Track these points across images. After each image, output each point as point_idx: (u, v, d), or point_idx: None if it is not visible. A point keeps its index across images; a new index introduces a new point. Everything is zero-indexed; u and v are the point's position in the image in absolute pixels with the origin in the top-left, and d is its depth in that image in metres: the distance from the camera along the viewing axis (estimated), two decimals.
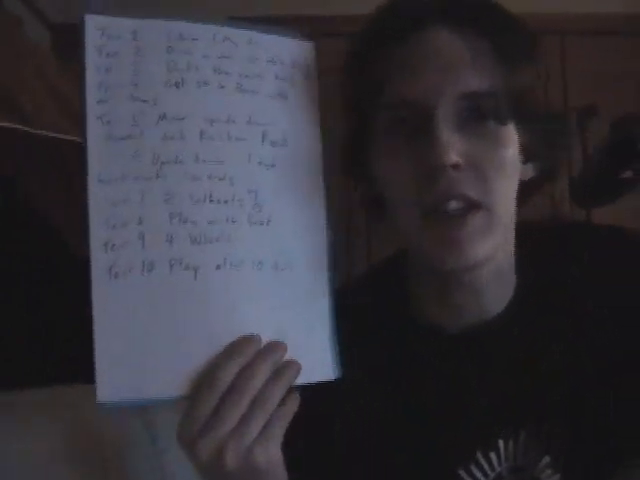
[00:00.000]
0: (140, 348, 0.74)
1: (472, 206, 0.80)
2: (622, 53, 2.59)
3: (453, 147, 0.78)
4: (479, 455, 0.86)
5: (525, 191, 0.88)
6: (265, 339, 0.77)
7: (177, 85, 0.78)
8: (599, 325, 0.87)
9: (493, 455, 0.86)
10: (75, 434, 0.90)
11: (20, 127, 1.43)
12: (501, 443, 0.86)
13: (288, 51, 0.85)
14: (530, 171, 0.89)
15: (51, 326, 1.13)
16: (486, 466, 0.87)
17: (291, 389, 0.76)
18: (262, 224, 0.80)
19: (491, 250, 0.82)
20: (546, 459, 0.86)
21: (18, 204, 1.36)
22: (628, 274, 0.90)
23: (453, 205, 0.79)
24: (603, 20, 2.60)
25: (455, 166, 0.78)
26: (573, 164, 2.27)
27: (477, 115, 0.80)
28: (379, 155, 0.85)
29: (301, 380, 0.77)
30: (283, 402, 0.75)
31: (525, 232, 0.90)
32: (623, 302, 0.88)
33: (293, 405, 0.77)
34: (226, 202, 0.78)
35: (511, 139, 0.82)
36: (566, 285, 0.90)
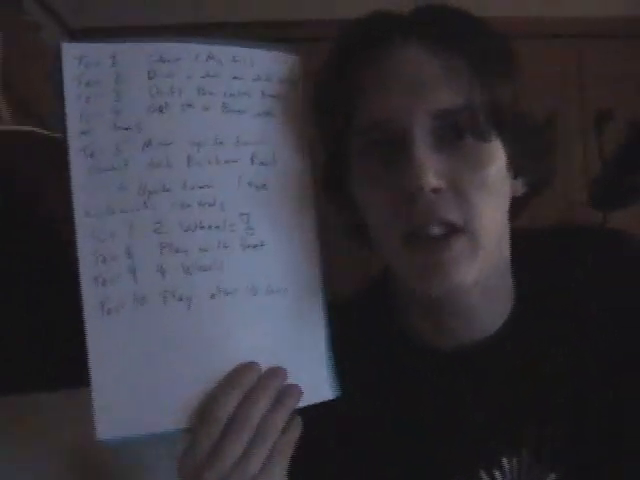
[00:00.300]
0: (137, 382, 0.73)
1: (454, 230, 0.75)
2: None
3: (431, 169, 0.73)
4: (483, 474, 0.84)
5: (517, 206, 0.84)
6: (263, 364, 0.75)
7: (161, 110, 0.76)
8: (601, 332, 0.83)
9: (497, 473, 0.84)
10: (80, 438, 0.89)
11: (38, 130, 1.42)
12: (505, 461, 0.83)
13: (274, 66, 0.81)
14: (521, 187, 0.85)
15: (52, 327, 1.13)
16: None
17: (293, 414, 0.75)
18: (255, 247, 0.77)
19: (478, 274, 0.77)
20: (552, 477, 0.83)
21: (37, 205, 1.36)
22: (629, 277, 0.85)
23: (434, 230, 0.75)
24: (621, 23, 2.50)
25: (435, 190, 0.74)
26: (590, 168, 2.20)
27: (455, 133, 0.76)
28: (356, 180, 0.82)
29: (301, 403, 0.75)
30: (286, 428, 0.74)
31: (522, 240, 0.86)
32: (625, 305, 0.84)
33: (296, 431, 0.75)
34: (217, 228, 0.76)
35: (494, 156, 0.78)
36: (566, 292, 0.85)
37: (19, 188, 1.43)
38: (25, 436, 0.93)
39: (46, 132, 1.44)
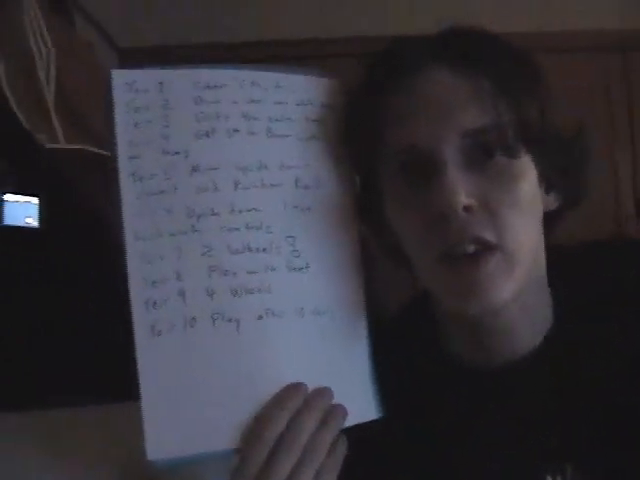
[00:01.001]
0: (187, 404, 0.73)
1: (487, 248, 0.74)
2: None
3: (462, 189, 0.73)
4: None
5: (551, 221, 0.83)
6: (310, 385, 0.75)
7: (207, 135, 0.76)
8: None
9: None
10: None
11: (92, 149, 1.45)
12: (549, 479, 0.82)
13: (316, 91, 0.82)
14: (554, 201, 0.83)
15: (102, 341, 1.14)
16: None
17: (338, 434, 0.74)
18: (301, 269, 0.78)
19: (514, 291, 0.76)
20: None
21: (94, 222, 1.38)
22: None
23: (469, 249, 0.74)
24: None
25: (467, 208, 0.73)
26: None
27: (484, 152, 0.75)
28: (388, 204, 0.81)
29: (346, 423, 0.75)
30: (332, 448, 0.73)
31: (560, 256, 0.84)
32: None
33: (342, 450, 0.75)
34: (264, 250, 0.76)
35: (524, 172, 0.77)
36: (606, 307, 0.83)
37: (73, 204, 1.45)
38: (75, 450, 0.94)
39: (97, 150, 1.47)
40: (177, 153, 0.75)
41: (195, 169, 0.75)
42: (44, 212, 1.39)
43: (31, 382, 1.27)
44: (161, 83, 0.76)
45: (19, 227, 1.37)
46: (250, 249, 0.75)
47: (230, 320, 0.74)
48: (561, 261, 0.85)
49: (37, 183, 1.41)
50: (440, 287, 0.79)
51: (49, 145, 1.45)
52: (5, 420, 0.95)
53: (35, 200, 1.39)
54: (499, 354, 0.83)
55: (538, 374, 0.82)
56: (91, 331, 1.29)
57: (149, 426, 0.72)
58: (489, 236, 0.74)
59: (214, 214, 0.75)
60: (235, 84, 0.78)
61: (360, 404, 0.79)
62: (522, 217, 0.76)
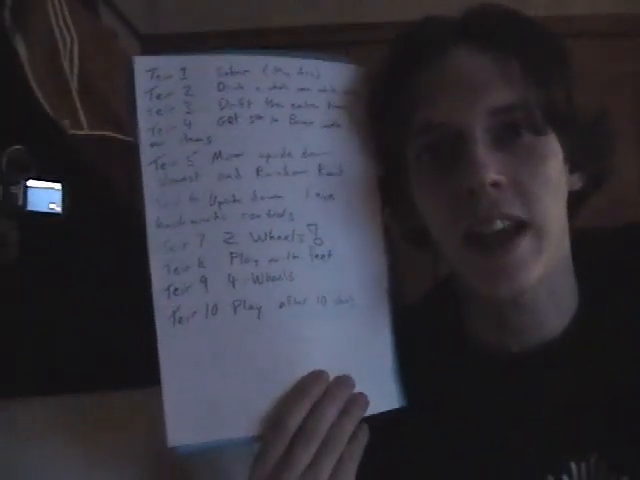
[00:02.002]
0: (208, 390, 0.72)
1: (519, 226, 0.73)
2: None
3: (491, 164, 0.72)
4: (551, 479, 0.80)
5: (575, 202, 0.81)
6: (331, 373, 0.73)
7: (230, 121, 0.75)
8: None
9: (566, 478, 0.80)
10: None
11: (115, 135, 1.43)
12: (573, 466, 0.80)
13: (339, 77, 0.80)
14: (578, 181, 0.82)
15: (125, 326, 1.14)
16: None
17: (360, 422, 0.73)
18: (324, 257, 0.76)
19: (543, 271, 0.75)
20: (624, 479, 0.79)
21: (117, 208, 1.37)
22: None
23: (498, 225, 0.73)
24: None
25: (495, 184, 0.72)
26: None
27: (512, 130, 0.74)
28: (415, 185, 0.80)
29: (368, 412, 0.74)
30: (353, 436, 0.72)
31: (587, 239, 0.83)
32: None
33: (363, 439, 0.73)
34: (287, 238, 0.74)
35: (552, 150, 0.76)
36: (632, 290, 0.82)
37: (97, 190, 1.44)
38: (98, 434, 0.93)
39: (121, 136, 1.46)
40: (199, 140, 0.74)
41: (217, 156, 0.74)
42: (67, 198, 1.38)
43: (52, 367, 1.26)
44: (183, 69, 0.75)
45: (43, 213, 1.36)
46: (272, 237, 0.74)
47: (252, 307, 0.73)
48: (586, 245, 0.83)
49: (60, 169, 1.40)
50: (469, 270, 0.78)
51: (72, 131, 1.44)
52: (30, 405, 0.94)
53: (58, 186, 1.38)
54: (525, 338, 0.82)
55: (564, 359, 0.81)
56: (113, 317, 1.28)
57: (170, 413, 0.71)
58: (519, 212, 0.73)
59: (236, 201, 0.73)
60: (258, 70, 0.76)
61: (382, 393, 0.78)
62: (551, 194, 0.75)
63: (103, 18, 1.83)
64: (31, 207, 1.33)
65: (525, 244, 0.73)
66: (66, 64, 1.46)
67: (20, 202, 1.32)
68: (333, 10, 2.48)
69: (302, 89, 0.77)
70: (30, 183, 1.33)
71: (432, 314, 0.89)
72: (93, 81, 1.51)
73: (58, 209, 1.38)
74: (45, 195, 1.36)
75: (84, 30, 1.54)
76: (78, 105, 1.49)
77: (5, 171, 1.27)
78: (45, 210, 1.36)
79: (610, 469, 0.79)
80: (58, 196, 1.38)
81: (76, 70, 1.49)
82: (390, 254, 0.81)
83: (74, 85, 1.48)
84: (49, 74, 1.44)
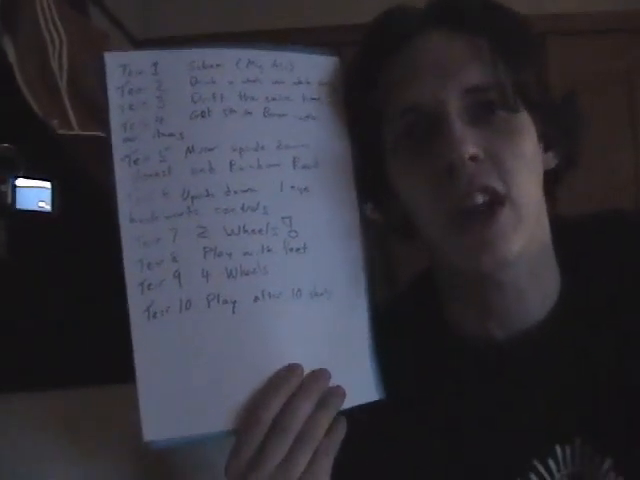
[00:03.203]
0: (183, 386, 0.70)
1: (497, 201, 0.73)
2: None
3: (468, 138, 0.72)
4: (537, 463, 0.79)
5: (551, 182, 0.81)
6: (307, 367, 0.71)
7: (203, 115, 0.72)
8: None
9: (551, 462, 0.79)
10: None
11: (103, 135, 1.42)
12: (558, 449, 0.78)
13: (314, 69, 0.78)
14: (552, 160, 0.81)
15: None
16: (545, 474, 0.79)
17: (337, 415, 0.71)
18: (299, 250, 0.74)
19: (523, 244, 0.74)
20: (608, 462, 0.78)
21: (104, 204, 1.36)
22: None
23: (479, 199, 0.72)
24: None
25: (473, 157, 0.71)
26: None
27: (486, 107, 0.74)
28: (393, 170, 0.78)
29: (345, 405, 0.72)
30: (330, 430, 0.70)
31: (567, 225, 0.82)
32: None
33: (340, 432, 0.71)
34: (260, 231, 0.72)
35: (525, 127, 0.76)
36: (614, 274, 0.81)
37: (86, 189, 1.43)
38: (84, 428, 0.92)
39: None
40: (172, 135, 0.72)
41: (190, 150, 0.72)
42: (57, 196, 1.37)
43: (43, 362, 1.25)
44: (155, 64, 0.73)
45: (32, 211, 1.34)
46: (246, 230, 0.72)
47: (226, 302, 0.71)
48: (566, 231, 0.82)
49: (50, 168, 1.39)
50: (452, 246, 0.76)
51: (61, 131, 1.42)
52: (21, 400, 0.93)
53: (48, 185, 1.36)
54: (508, 323, 0.80)
55: (547, 344, 0.79)
56: (102, 313, 1.27)
57: (145, 407, 0.69)
58: (497, 185, 0.73)
59: (209, 195, 0.71)
60: (231, 63, 0.74)
61: (360, 385, 0.76)
62: (527, 170, 0.75)
63: (95, 21, 1.81)
64: (20, 205, 1.32)
65: (503, 217, 0.72)
66: (55, 65, 1.45)
67: (9, 200, 1.30)
68: (325, 11, 2.46)
69: (276, 82, 0.76)
70: (19, 182, 1.31)
71: (412, 305, 0.88)
72: (82, 81, 1.50)
73: (48, 207, 1.36)
74: (34, 194, 1.35)
75: (73, 31, 1.52)
76: (67, 105, 1.48)
77: None
78: (34, 208, 1.34)
79: (594, 452, 0.78)
80: (48, 194, 1.36)
81: (65, 71, 1.47)
82: (367, 246, 0.79)
83: (63, 85, 1.46)
84: (38, 74, 1.42)
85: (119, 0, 2.07)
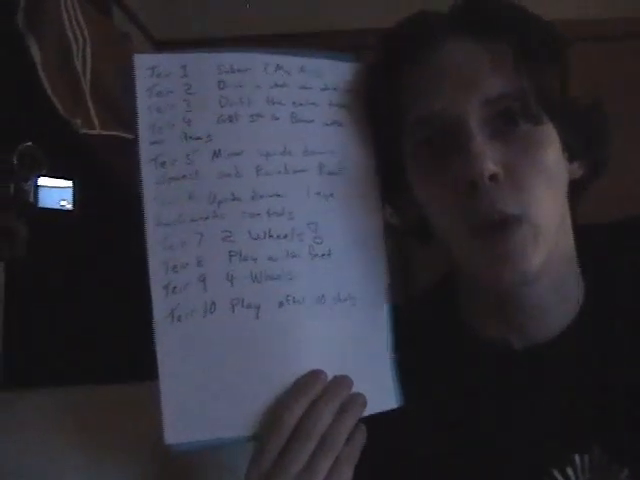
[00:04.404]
0: (206, 389, 0.69)
1: (514, 221, 0.71)
2: None
3: (488, 156, 0.70)
4: (555, 472, 0.78)
5: (576, 190, 0.79)
6: (329, 373, 0.70)
7: (231, 120, 0.72)
8: None
9: (570, 470, 0.78)
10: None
11: (126, 135, 1.42)
12: (577, 458, 0.78)
13: (340, 75, 0.77)
14: (578, 169, 0.79)
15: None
16: None
17: (357, 422, 0.70)
18: (323, 256, 0.73)
19: (542, 259, 0.73)
20: (625, 472, 0.77)
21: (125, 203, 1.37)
22: None
23: (496, 218, 0.71)
24: None
25: (493, 176, 0.70)
26: None
27: (508, 119, 0.72)
28: (414, 179, 0.77)
29: (366, 412, 0.71)
30: (351, 437, 0.70)
31: (591, 234, 0.81)
32: None
33: (360, 439, 0.70)
34: (286, 237, 0.72)
35: (549, 139, 0.74)
36: (633, 285, 0.80)
37: (108, 188, 1.43)
38: (101, 427, 0.91)
39: (132, 136, 1.44)
40: (199, 138, 0.71)
41: (217, 154, 0.71)
42: (78, 195, 1.37)
43: (60, 360, 1.25)
44: (184, 67, 0.72)
45: (54, 209, 1.34)
46: (271, 235, 0.71)
47: (250, 306, 0.70)
48: (591, 240, 0.81)
49: (72, 167, 1.39)
50: (472, 259, 0.75)
51: (84, 130, 1.42)
52: (28, 397, 0.92)
53: (70, 184, 1.36)
54: (529, 333, 0.80)
55: (569, 354, 0.78)
56: (121, 312, 1.27)
57: (167, 410, 0.69)
58: (513, 209, 0.71)
59: (235, 199, 0.71)
60: (259, 68, 0.74)
61: (380, 393, 0.75)
62: (548, 185, 0.73)
63: (117, 23, 1.81)
64: (42, 204, 1.32)
65: (521, 233, 0.71)
66: (78, 65, 1.45)
67: (31, 199, 1.30)
68: (342, 14, 2.45)
69: (303, 87, 0.75)
70: (41, 181, 1.32)
71: (432, 310, 0.87)
72: (105, 82, 1.50)
73: (69, 206, 1.36)
74: (56, 192, 1.35)
75: (97, 32, 1.53)
76: (90, 105, 1.48)
77: (16, 168, 1.26)
78: (56, 207, 1.34)
79: (612, 461, 0.77)
80: (69, 193, 1.37)
81: (88, 71, 1.47)
82: (388, 252, 0.78)
83: (86, 86, 1.46)
84: (61, 74, 1.42)
85: (140, 1, 2.06)
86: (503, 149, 0.71)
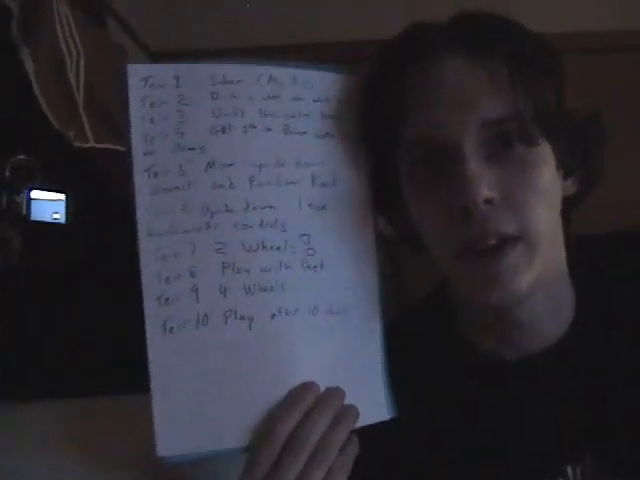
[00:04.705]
0: (198, 401, 0.69)
1: (509, 241, 0.71)
2: None
3: (483, 180, 0.69)
4: None
5: (570, 207, 0.79)
6: (322, 384, 0.70)
7: (224, 131, 0.72)
8: None
9: None
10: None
11: (120, 148, 1.42)
12: (569, 469, 0.78)
13: (332, 87, 0.77)
14: (572, 185, 0.79)
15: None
16: None
17: (350, 434, 0.70)
18: (316, 268, 0.73)
19: (534, 281, 0.72)
20: None
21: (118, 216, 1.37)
22: None
23: (491, 241, 0.71)
24: None
25: (488, 201, 0.69)
26: None
27: (503, 142, 0.72)
28: (408, 196, 0.77)
29: (358, 423, 0.71)
30: (343, 448, 0.69)
31: (582, 246, 0.81)
32: None
33: (353, 450, 0.70)
34: (279, 248, 0.72)
35: (544, 159, 0.73)
36: (628, 297, 0.80)
37: (101, 201, 1.43)
38: (98, 439, 0.91)
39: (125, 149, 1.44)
40: (192, 149, 0.71)
41: (210, 165, 0.71)
42: (71, 208, 1.37)
43: (53, 372, 1.25)
44: (177, 78, 0.72)
45: (47, 222, 1.34)
46: (264, 247, 0.71)
47: (243, 318, 0.70)
48: (583, 251, 0.81)
49: (65, 180, 1.39)
50: (461, 280, 0.76)
51: (77, 143, 1.42)
52: (27, 408, 0.92)
53: (62, 197, 1.36)
54: (523, 346, 0.80)
55: (562, 364, 0.79)
56: (113, 324, 1.27)
57: (159, 422, 0.68)
58: (511, 229, 0.71)
59: (228, 211, 0.71)
60: (252, 80, 0.74)
61: (373, 404, 0.75)
62: (543, 205, 0.72)
63: (112, 34, 1.81)
64: (35, 217, 1.32)
65: (515, 254, 0.71)
66: (72, 77, 1.45)
67: (24, 211, 1.30)
68: (340, 27, 2.45)
69: (296, 99, 0.75)
70: (34, 194, 1.31)
71: (426, 321, 0.87)
72: (99, 94, 1.49)
73: (62, 219, 1.36)
74: (49, 205, 1.35)
75: (91, 44, 1.53)
76: (84, 118, 1.48)
77: (9, 180, 1.25)
78: (49, 220, 1.34)
79: (604, 472, 0.77)
80: (62, 206, 1.36)
81: (82, 83, 1.47)
82: (380, 264, 0.79)
83: (80, 98, 1.46)
84: (55, 86, 1.42)
85: (136, 12, 2.06)
86: (499, 171, 0.71)
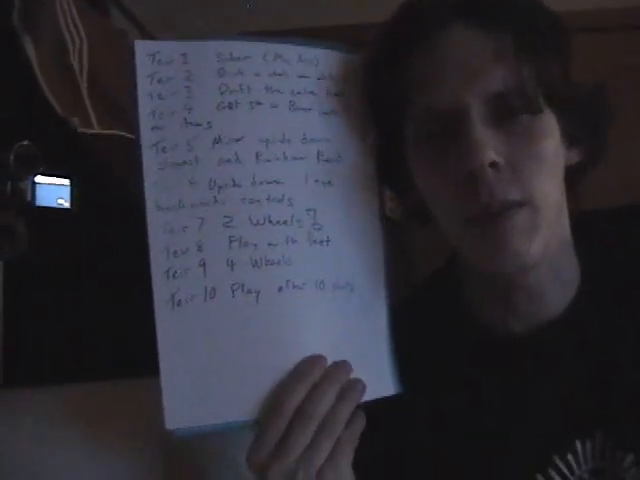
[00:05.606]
0: (206, 374, 0.70)
1: (514, 206, 0.72)
2: None
3: (489, 144, 0.70)
4: (556, 459, 0.78)
5: (573, 177, 0.80)
6: (328, 357, 0.72)
7: (230, 107, 0.73)
8: None
9: (571, 458, 0.78)
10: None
11: (124, 134, 1.43)
12: (578, 444, 0.78)
13: (338, 65, 0.78)
14: (575, 155, 0.80)
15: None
16: (565, 470, 0.79)
17: (356, 408, 0.71)
18: (322, 243, 0.74)
19: (541, 247, 0.73)
20: (630, 457, 0.77)
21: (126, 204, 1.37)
22: None
23: (496, 208, 0.72)
24: None
25: (493, 164, 0.70)
26: None
27: (508, 111, 0.73)
28: (414, 167, 0.78)
29: (364, 397, 0.72)
30: (350, 421, 0.71)
31: (588, 219, 0.82)
32: None
33: (360, 424, 0.72)
34: (285, 223, 0.73)
35: (548, 128, 0.74)
36: (633, 269, 0.81)
37: (106, 187, 1.44)
38: (105, 422, 0.92)
39: (130, 135, 1.45)
40: (199, 125, 0.72)
41: (217, 141, 0.72)
42: (76, 194, 1.38)
43: (63, 357, 1.26)
44: (184, 54, 0.73)
45: (52, 208, 1.35)
46: (271, 221, 0.72)
47: (250, 291, 0.71)
48: (587, 226, 0.82)
49: (70, 165, 1.39)
50: (470, 248, 0.76)
51: (81, 129, 1.43)
52: (29, 393, 0.93)
53: (67, 182, 1.37)
54: (529, 317, 0.81)
55: (568, 337, 0.79)
56: (122, 309, 1.27)
57: (168, 395, 0.69)
58: (515, 196, 0.72)
59: (235, 185, 0.72)
60: (258, 56, 0.75)
61: (379, 379, 0.76)
62: (548, 173, 0.74)
63: (116, 22, 1.82)
64: (40, 202, 1.32)
65: (520, 219, 0.72)
66: (75, 64, 1.46)
67: (29, 197, 1.31)
68: (342, 10, 2.45)
69: (302, 76, 0.76)
70: (38, 179, 1.32)
71: (432, 298, 0.88)
72: (103, 81, 1.50)
73: (67, 204, 1.37)
74: (54, 191, 1.36)
75: (93, 31, 1.53)
76: (88, 104, 1.48)
77: (13, 167, 1.26)
78: (54, 205, 1.35)
79: (615, 447, 0.77)
80: (67, 192, 1.37)
81: (85, 70, 1.48)
82: (387, 242, 0.80)
83: (83, 84, 1.47)
84: (58, 73, 1.43)
85: (138, 1, 2.07)
86: (504, 139, 0.72)
